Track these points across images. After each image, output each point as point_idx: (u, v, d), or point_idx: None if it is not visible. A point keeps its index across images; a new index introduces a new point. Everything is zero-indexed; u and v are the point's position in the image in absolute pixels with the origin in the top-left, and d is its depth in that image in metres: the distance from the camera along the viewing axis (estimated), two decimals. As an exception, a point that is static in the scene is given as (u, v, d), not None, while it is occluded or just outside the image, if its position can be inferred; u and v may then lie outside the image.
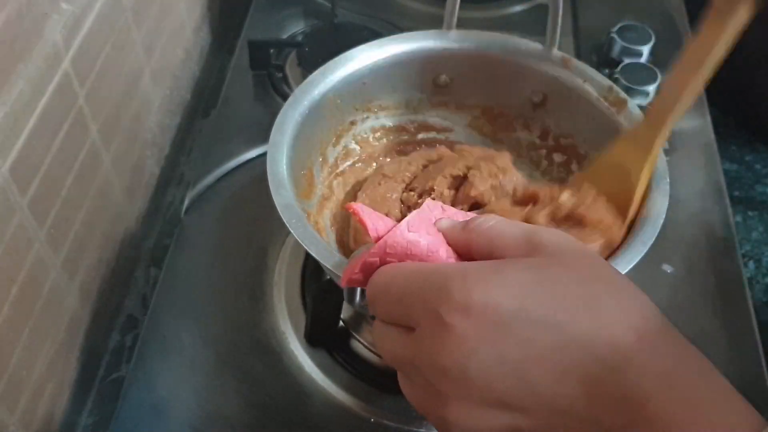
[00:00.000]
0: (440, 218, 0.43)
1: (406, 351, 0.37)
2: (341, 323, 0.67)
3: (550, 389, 0.33)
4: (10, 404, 0.56)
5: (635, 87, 0.84)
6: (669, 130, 0.54)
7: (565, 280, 0.35)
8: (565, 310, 0.34)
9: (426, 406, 0.37)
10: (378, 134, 0.71)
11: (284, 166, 0.57)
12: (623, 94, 0.63)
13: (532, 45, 0.66)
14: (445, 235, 0.42)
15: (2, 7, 0.51)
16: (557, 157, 0.68)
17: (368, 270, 0.42)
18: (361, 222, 0.43)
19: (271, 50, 0.90)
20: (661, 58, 0.90)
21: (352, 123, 0.68)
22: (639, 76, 0.85)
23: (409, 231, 0.41)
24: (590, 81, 0.64)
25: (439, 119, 0.72)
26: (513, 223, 0.40)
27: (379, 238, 0.42)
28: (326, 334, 0.65)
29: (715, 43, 0.49)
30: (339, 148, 0.68)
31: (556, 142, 0.68)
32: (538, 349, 0.33)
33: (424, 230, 0.42)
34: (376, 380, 0.63)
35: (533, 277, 0.35)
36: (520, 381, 0.34)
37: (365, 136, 0.70)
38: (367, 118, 0.69)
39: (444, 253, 0.41)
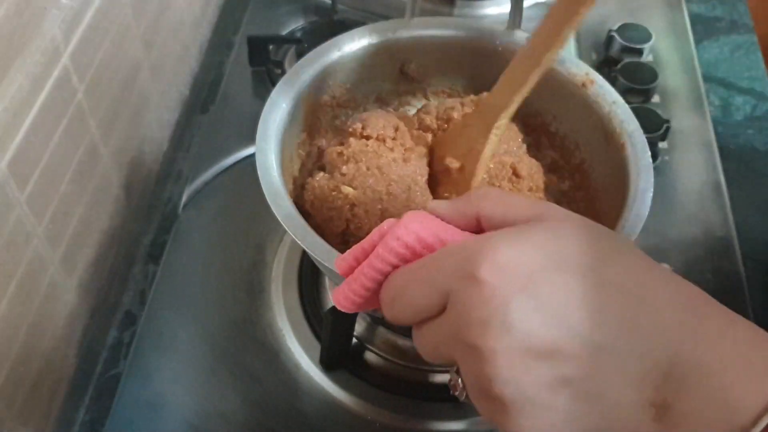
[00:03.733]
0: (429, 208, 0.41)
1: (442, 327, 0.37)
2: (354, 339, 0.65)
3: (590, 328, 0.34)
4: (8, 400, 0.56)
5: (635, 86, 0.83)
6: (515, 105, 0.55)
7: (586, 236, 0.37)
8: (594, 258, 0.35)
9: (474, 375, 0.36)
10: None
11: (276, 174, 0.55)
12: (591, 70, 0.62)
13: (495, 27, 0.66)
14: (445, 216, 0.40)
15: (1, 1, 0.50)
16: (525, 140, 0.67)
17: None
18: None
19: (271, 46, 0.90)
20: (661, 57, 0.90)
21: (334, 117, 0.67)
22: (639, 74, 0.85)
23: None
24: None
25: (410, 108, 0.70)
26: (520, 195, 0.40)
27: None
28: (343, 356, 0.64)
29: (562, 28, 0.50)
30: (316, 145, 0.67)
31: (523, 122, 0.67)
32: (576, 292, 0.34)
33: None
34: (374, 378, 0.63)
35: (555, 235, 0.36)
36: (560, 324, 0.34)
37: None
38: (341, 113, 0.68)
39: (453, 233, 0.39)
